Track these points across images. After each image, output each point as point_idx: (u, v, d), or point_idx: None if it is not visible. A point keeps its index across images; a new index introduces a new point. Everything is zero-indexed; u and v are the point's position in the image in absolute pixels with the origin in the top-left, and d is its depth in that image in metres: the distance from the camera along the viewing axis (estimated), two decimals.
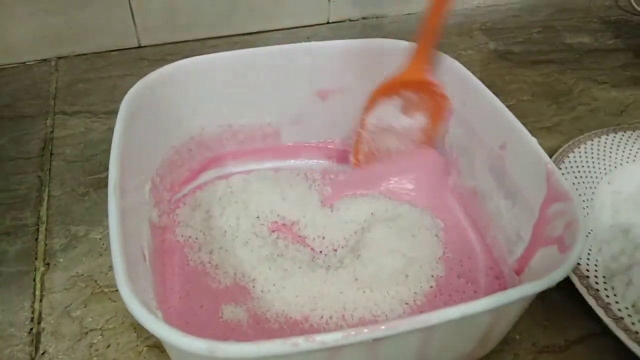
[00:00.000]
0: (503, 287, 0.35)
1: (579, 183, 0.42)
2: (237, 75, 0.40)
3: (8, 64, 0.57)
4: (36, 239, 0.40)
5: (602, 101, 0.56)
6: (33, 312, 0.35)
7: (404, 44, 0.40)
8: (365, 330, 0.23)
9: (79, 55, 0.58)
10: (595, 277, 0.35)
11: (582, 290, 0.34)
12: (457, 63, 0.39)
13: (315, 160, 0.45)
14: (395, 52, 0.40)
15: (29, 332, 0.34)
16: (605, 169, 0.44)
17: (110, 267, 0.38)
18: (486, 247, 0.38)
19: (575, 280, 0.35)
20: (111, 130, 0.32)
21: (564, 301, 0.35)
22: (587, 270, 0.36)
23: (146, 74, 0.37)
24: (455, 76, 0.39)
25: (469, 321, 0.26)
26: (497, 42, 0.65)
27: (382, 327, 0.23)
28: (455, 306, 0.24)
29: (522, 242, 0.34)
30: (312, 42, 0.41)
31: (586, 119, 0.53)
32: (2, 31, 0.55)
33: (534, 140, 0.33)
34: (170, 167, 0.40)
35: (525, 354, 0.34)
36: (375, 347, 0.25)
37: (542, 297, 0.36)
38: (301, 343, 0.22)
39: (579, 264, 0.36)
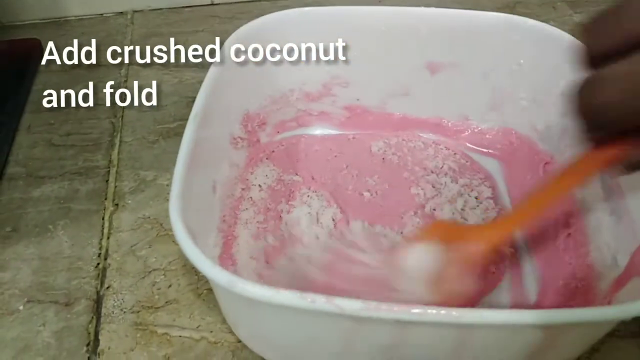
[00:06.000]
0: None
1: None
2: (342, 33, 0.37)
3: (86, 15, 0.58)
4: (106, 181, 0.41)
5: None
6: (100, 249, 0.36)
7: (531, 23, 0.37)
8: (384, 306, 0.21)
9: (153, 9, 0.59)
10: None
11: None
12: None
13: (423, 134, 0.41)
14: (520, 32, 0.37)
15: (96, 267, 0.35)
16: None
17: None
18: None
19: None
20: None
21: None
22: None
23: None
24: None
25: (513, 332, 0.24)
26: (582, 14, 0.60)
27: (409, 308, 0.21)
28: (498, 310, 0.23)
29: (617, 268, 0.29)
30: (430, 8, 0.37)
31: None
32: None
33: None
34: (260, 115, 0.39)
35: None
36: (402, 332, 0.23)
37: None
38: (317, 300, 0.21)
39: None
